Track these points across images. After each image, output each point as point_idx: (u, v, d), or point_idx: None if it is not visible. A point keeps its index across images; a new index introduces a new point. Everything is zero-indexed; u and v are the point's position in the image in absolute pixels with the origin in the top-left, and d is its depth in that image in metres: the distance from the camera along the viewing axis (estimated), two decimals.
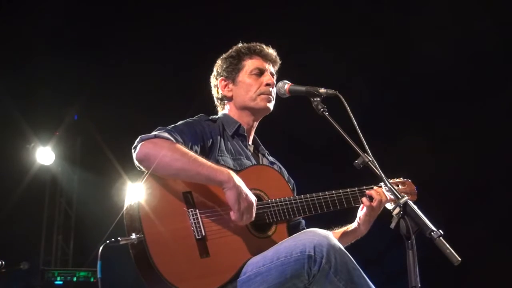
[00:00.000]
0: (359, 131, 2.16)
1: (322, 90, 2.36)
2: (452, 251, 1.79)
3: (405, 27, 5.81)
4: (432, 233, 1.82)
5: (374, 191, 2.57)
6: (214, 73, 2.83)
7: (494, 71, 5.84)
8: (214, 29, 6.11)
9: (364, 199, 2.56)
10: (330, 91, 2.35)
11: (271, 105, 2.72)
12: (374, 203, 2.55)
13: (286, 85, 2.55)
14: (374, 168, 2.12)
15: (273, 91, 2.69)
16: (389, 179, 2.15)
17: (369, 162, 2.12)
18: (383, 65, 6.10)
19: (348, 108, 2.23)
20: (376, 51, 6.16)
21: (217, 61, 2.83)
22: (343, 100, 2.26)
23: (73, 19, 6.16)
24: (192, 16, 6.21)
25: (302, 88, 2.46)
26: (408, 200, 1.95)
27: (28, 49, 6.24)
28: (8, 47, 6.09)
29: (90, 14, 6.19)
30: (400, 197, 1.97)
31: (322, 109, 2.32)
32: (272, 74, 2.76)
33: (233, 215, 2.26)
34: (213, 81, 2.84)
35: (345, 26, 6.10)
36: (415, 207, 1.93)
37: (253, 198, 2.29)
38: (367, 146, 2.13)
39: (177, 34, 6.31)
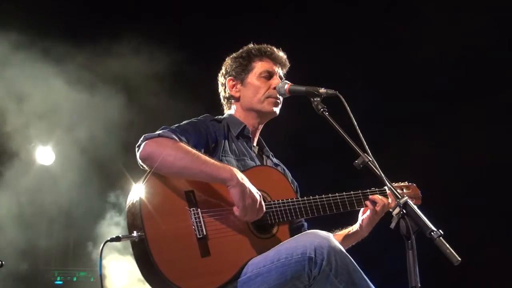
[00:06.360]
0: (359, 131, 2.16)
1: (322, 90, 2.35)
2: (452, 251, 1.78)
3: (405, 27, 5.81)
4: (432, 233, 1.82)
5: (377, 196, 2.58)
6: (223, 71, 2.82)
7: (494, 70, 5.84)
8: (215, 29, 6.11)
9: (368, 203, 2.58)
10: (330, 91, 2.34)
11: (277, 109, 2.72)
12: (378, 208, 2.56)
13: (286, 85, 2.55)
14: (374, 168, 2.12)
15: None
16: (391, 181, 2.14)
17: (369, 162, 2.12)
18: (383, 65, 6.10)
19: (348, 108, 2.22)
20: (376, 50, 6.16)
21: (227, 60, 2.82)
22: (343, 100, 2.25)
23: (73, 17, 6.16)
24: (194, 15, 6.21)
25: (302, 88, 2.46)
26: (408, 200, 1.95)
27: (28, 50, 6.23)
28: (8, 48, 6.09)
29: (89, 12, 6.20)
30: (400, 197, 1.97)
31: (322, 109, 2.31)
32: (280, 78, 2.75)
33: (237, 211, 2.26)
34: (221, 79, 2.83)
35: (345, 25, 6.10)
36: (415, 207, 1.92)
37: (257, 195, 2.28)
38: (367, 146, 2.13)
39: (179, 33, 6.31)
